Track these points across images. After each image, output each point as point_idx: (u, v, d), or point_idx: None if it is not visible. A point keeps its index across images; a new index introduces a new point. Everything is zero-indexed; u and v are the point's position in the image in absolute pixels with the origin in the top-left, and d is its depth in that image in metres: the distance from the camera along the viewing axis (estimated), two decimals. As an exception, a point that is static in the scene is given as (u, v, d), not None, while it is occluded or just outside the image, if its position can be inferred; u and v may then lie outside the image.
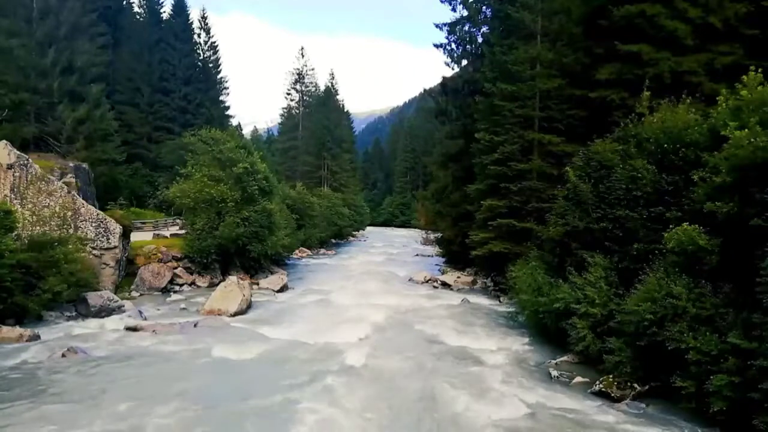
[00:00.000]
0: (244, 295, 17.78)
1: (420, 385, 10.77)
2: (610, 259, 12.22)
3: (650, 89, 14.30)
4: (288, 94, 69.71)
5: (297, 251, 37.52)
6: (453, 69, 30.76)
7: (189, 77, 47.05)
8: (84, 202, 19.42)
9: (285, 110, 71.97)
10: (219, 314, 16.88)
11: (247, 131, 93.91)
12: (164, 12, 50.05)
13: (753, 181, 8.88)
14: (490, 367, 12.18)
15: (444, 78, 31.34)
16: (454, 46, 29.85)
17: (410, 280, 27.03)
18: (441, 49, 29.94)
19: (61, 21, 29.46)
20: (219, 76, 52.93)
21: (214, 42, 51.67)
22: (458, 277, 26.36)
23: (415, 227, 66.96)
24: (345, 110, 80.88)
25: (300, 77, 68.99)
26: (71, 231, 17.99)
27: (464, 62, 30.39)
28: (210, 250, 22.70)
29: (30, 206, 17.54)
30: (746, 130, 9.05)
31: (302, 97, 69.38)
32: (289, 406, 9.36)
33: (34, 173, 18.04)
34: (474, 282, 25.74)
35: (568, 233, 13.70)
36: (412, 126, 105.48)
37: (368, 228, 79.71)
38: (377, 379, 11.07)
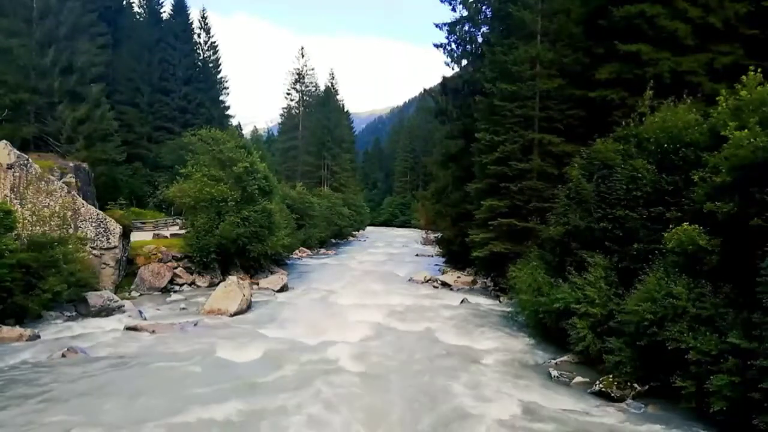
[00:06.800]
0: (244, 295, 17.80)
1: (419, 384, 10.78)
2: (610, 259, 12.21)
3: (651, 89, 14.29)
4: (288, 94, 69.81)
5: (297, 251, 37.52)
6: (453, 69, 30.73)
7: (189, 77, 47.08)
8: (84, 202, 19.43)
9: (285, 110, 72.05)
10: (219, 314, 16.90)
11: (247, 131, 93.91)
12: (164, 12, 50.12)
13: (753, 181, 8.88)
14: (490, 367, 12.19)
15: (444, 78, 31.28)
16: (454, 46, 29.78)
17: (410, 280, 27.03)
18: (441, 49, 29.88)
19: (61, 21, 29.44)
20: (219, 76, 52.95)
21: (214, 42, 51.78)
22: (458, 277, 26.35)
23: (415, 227, 66.91)
24: (345, 110, 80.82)
25: (300, 77, 69.01)
26: (71, 231, 17.99)
27: (464, 62, 30.32)
28: (210, 248, 22.71)
29: (30, 206, 17.52)
30: (746, 130, 9.05)
31: (302, 97, 69.40)
32: (289, 406, 9.36)
33: (34, 173, 18.05)
34: (474, 282, 25.72)
35: (569, 233, 13.70)
36: (412, 126, 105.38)
37: (368, 228, 79.69)
38: (377, 379, 11.07)
